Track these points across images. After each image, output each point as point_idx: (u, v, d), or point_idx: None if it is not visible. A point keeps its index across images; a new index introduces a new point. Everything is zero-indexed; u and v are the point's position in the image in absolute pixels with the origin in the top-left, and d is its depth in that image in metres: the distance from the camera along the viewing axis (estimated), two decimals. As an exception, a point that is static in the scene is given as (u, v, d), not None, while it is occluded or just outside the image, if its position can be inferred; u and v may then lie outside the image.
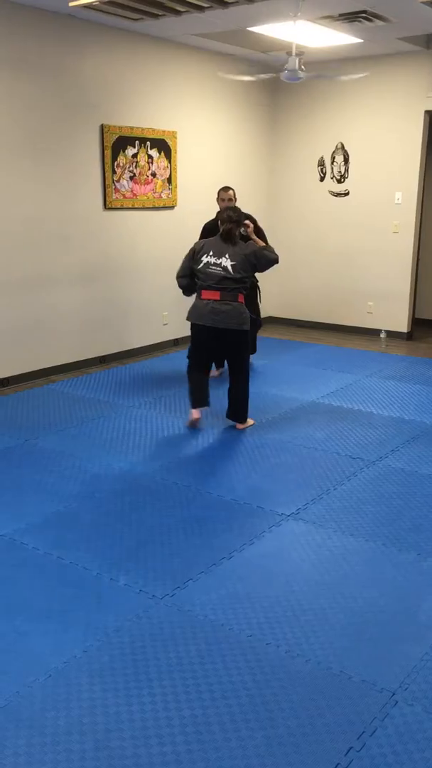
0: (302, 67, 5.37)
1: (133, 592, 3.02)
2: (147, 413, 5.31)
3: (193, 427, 5.00)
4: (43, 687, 2.46)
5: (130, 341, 7.08)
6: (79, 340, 6.57)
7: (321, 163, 8.18)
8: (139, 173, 6.81)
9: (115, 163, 6.55)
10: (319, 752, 2.18)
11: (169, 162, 7.09)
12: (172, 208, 7.21)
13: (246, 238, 5.00)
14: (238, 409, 4.98)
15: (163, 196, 7.10)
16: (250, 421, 5.06)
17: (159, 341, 7.39)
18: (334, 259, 8.28)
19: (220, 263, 4.70)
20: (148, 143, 6.83)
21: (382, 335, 7.79)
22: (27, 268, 5.99)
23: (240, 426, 4.99)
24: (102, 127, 6.39)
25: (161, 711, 2.35)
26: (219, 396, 5.36)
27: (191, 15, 5.62)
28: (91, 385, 6.06)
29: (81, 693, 2.43)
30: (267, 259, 4.79)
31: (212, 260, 4.73)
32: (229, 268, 4.69)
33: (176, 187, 7.21)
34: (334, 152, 8.06)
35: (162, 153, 6.99)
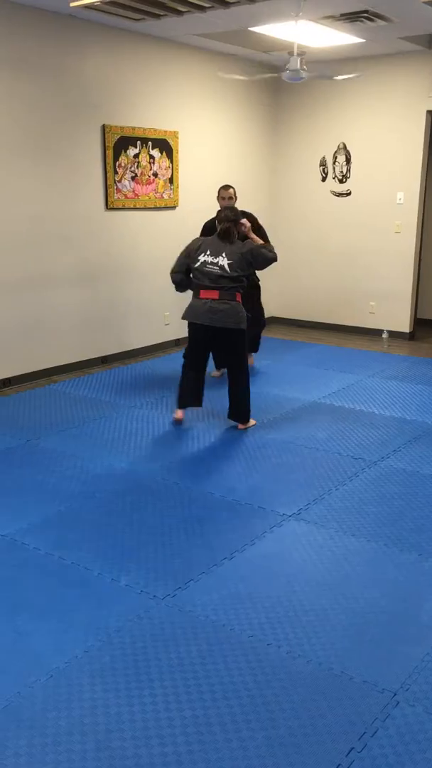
0: (304, 67, 5.37)
1: (135, 592, 3.02)
2: (148, 413, 5.31)
3: (178, 424, 5.04)
4: (44, 687, 2.46)
5: (131, 341, 7.08)
6: (81, 341, 6.57)
7: (323, 163, 8.18)
8: (141, 173, 6.81)
9: (117, 164, 6.55)
10: (320, 753, 2.18)
11: (171, 162, 7.09)
12: (173, 208, 7.21)
13: (244, 237, 5.00)
14: (239, 410, 4.98)
15: (165, 196, 7.10)
16: (252, 422, 5.06)
17: (160, 341, 7.39)
18: (335, 259, 8.28)
19: (217, 262, 4.71)
20: (150, 143, 6.83)
21: (384, 335, 7.79)
22: (29, 268, 5.99)
23: (242, 426, 4.99)
24: (104, 127, 6.40)
25: (162, 711, 2.35)
26: (220, 396, 5.36)
27: (193, 15, 5.62)
28: (92, 386, 6.06)
29: (82, 693, 2.43)
30: (264, 257, 4.78)
31: (209, 259, 4.74)
32: (226, 266, 4.69)
33: (178, 187, 7.21)
34: (335, 152, 8.06)
35: (164, 153, 6.99)
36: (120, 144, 6.54)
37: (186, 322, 4.99)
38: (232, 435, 4.89)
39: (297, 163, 8.36)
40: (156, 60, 6.76)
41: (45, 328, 6.21)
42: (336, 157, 8.07)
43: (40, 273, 6.09)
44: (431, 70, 7.24)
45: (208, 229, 5.69)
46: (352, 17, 5.68)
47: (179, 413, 5.07)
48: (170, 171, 7.10)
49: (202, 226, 6.04)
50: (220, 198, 5.95)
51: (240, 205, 6.04)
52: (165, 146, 6.99)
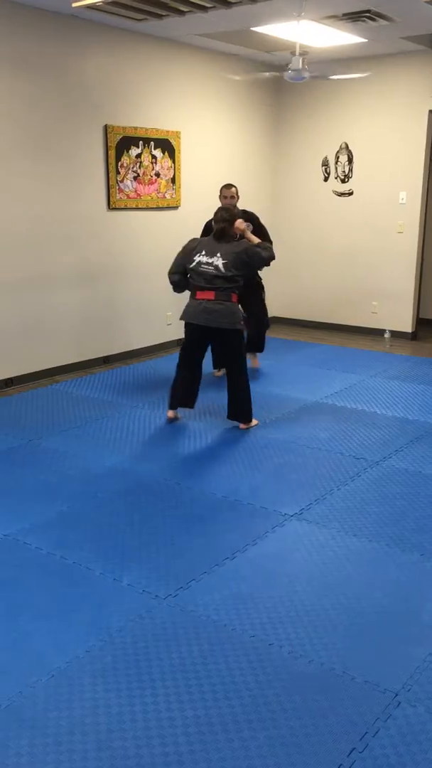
0: (306, 66, 5.38)
1: (136, 592, 3.02)
2: (150, 413, 5.31)
3: (172, 422, 5.08)
4: (45, 687, 2.46)
5: (133, 341, 7.08)
6: (83, 341, 6.58)
7: (325, 163, 8.17)
8: (143, 173, 6.81)
9: (119, 164, 6.56)
10: (321, 753, 2.18)
11: (173, 162, 7.09)
12: (176, 208, 7.22)
13: (241, 237, 5.00)
14: (240, 409, 4.97)
15: (167, 196, 7.10)
16: (254, 422, 5.05)
17: (162, 341, 7.39)
18: (338, 259, 8.27)
19: (212, 262, 4.71)
20: (152, 143, 6.83)
21: (387, 335, 7.78)
22: (31, 268, 6.00)
23: (243, 426, 4.99)
24: (106, 127, 6.40)
25: (164, 711, 2.35)
26: (221, 396, 5.35)
27: (195, 15, 5.62)
28: (94, 386, 6.06)
29: (83, 693, 2.43)
30: (259, 256, 4.77)
31: (204, 259, 4.74)
32: (220, 266, 4.68)
33: (180, 187, 7.21)
34: (338, 152, 8.05)
35: (166, 153, 6.99)
36: (122, 144, 6.55)
37: None
38: (234, 435, 4.89)
39: (299, 163, 8.36)
40: (158, 60, 6.76)
41: (47, 328, 6.21)
42: (338, 157, 8.06)
43: (42, 273, 6.09)
44: (433, 70, 7.24)
45: (210, 228, 5.68)
46: (354, 17, 5.67)
47: (170, 413, 5.09)
48: (172, 171, 7.10)
49: (203, 226, 6.04)
50: (222, 197, 5.95)
51: (242, 204, 6.05)
52: (167, 146, 6.99)
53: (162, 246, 7.06)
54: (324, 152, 8.15)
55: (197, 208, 7.12)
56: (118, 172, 6.56)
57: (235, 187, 5.97)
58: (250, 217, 5.99)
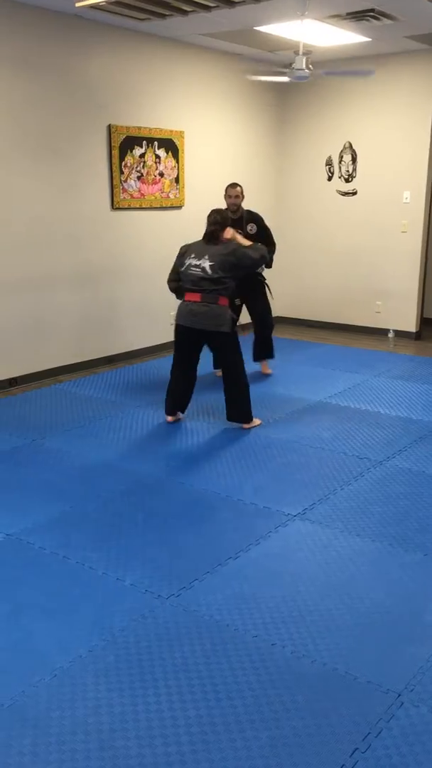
0: (309, 66, 5.37)
1: (139, 591, 3.02)
2: (153, 413, 5.31)
3: (172, 422, 5.10)
4: (48, 686, 2.46)
5: (137, 341, 7.08)
6: (86, 340, 6.58)
7: (329, 163, 8.16)
8: (147, 173, 6.81)
9: (123, 163, 6.56)
10: (324, 753, 2.18)
11: (177, 162, 7.09)
12: (179, 207, 7.22)
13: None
14: (238, 410, 4.96)
15: (171, 195, 7.11)
16: (256, 421, 5.05)
17: (166, 341, 7.38)
18: (342, 258, 8.26)
19: (200, 264, 4.71)
20: (156, 143, 6.83)
21: (390, 335, 7.77)
22: (35, 268, 6.00)
23: (246, 426, 4.98)
24: (109, 127, 6.40)
25: (166, 711, 2.35)
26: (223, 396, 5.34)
27: (198, 15, 5.62)
28: (97, 385, 6.07)
29: (86, 693, 2.43)
30: (249, 258, 4.75)
31: (194, 262, 4.75)
32: (207, 268, 4.68)
33: (184, 186, 7.22)
34: (341, 151, 8.04)
35: (169, 153, 6.99)
36: (126, 144, 6.55)
37: None
38: (236, 435, 4.89)
39: (303, 163, 8.35)
40: (161, 60, 6.76)
41: (51, 327, 6.22)
42: (342, 157, 8.05)
43: (46, 273, 6.10)
44: (437, 69, 7.23)
45: None
46: (357, 16, 5.66)
47: (169, 418, 5.11)
48: (176, 171, 7.10)
49: None
50: (226, 197, 5.93)
51: (246, 204, 6.04)
52: (171, 146, 6.99)
53: (166, 246, 7.05)
54: (328, 152, 8.14)
55: (201, 208, 7.09)
56: (121, 172, 6.57)
57: (240, 186, 5.96)
58: (254, 218, 5.98)
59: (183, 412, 5.15)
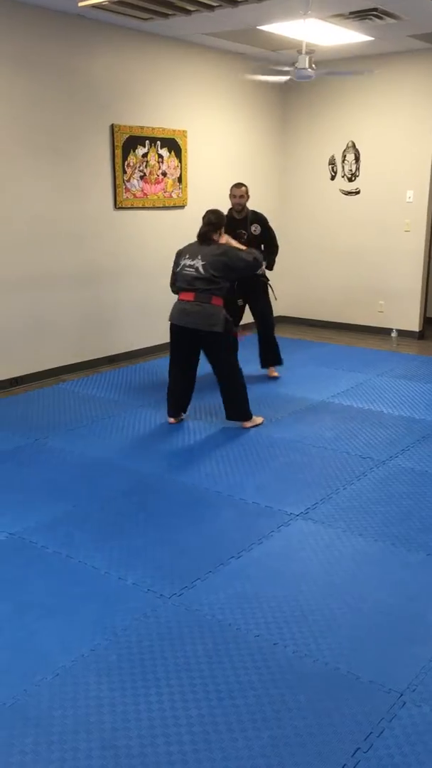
0: (313, 65, 5.36)
1: (141, 591, 3.02)
2: (156, 413, 5.31)
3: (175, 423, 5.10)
4: (50, 685, 2.46)
5: (139, 341, 7.08)
6: (89, 340, 6.59)
7: (332, 162, 8.16)
8: (150, 173, 6.81)
9: (126, 163, 6.56)
10: (325, 753, 2.17)
11: (180, 161, 7.09)
12: (182, 207, 7.22)
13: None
14: (236, 409, 4.94)
15: (174, 195, 7.11)
16: (257, 419, 5.04)
17: (168, 341, 7.36)
18: (345, 258, 8.26)
19: (193, 264, 4.72)
20: (159, 143, 6.83)
21: (394, 334, 7.76)
22: (37, 267, 6.01)
23: (246, 424, 4.97)
24: (112, 126, 6.40)
25: (168, 710, 2.35)
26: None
27: (201, 14, 5.61)
28: (100, 385, 6.07)
29: (88, 692, 2.44)
30: (241, 259, 4.74)
31: (188, 262, 4.77)
32: (200, 268, 4.69)
33: (186, 186, 7.22)
34: (344, 151, 8.03)
35: (172, 152, 6.99)
36: (129, 143, 6.55)
37: None
38: (239, 434, 4.88)
39: (306, 162, 8.35)
40: (164, 59, 6.76)
41: (53, 327, 6.23)
42: (345, 156, 8.04)
43: (48, 272, 6.11)
44: (441, 68, 7.22)
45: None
46: (361, 15, 5.66)
47: (171, 420, 5.10)
48: (179, 170, 7.10)
49: None
50: (231, 196, 5.92)
51: (249, 204, 6.03)
52: (174, 145, 6.99)
53: (168, 245, 7.03)
54: (331, 151, 8.13)
55: (204, 208, 7.03)
56: (124, 172, 6.57)
57: (245, 186, 5.93)
58: (258, 219, 5.96)
59: (185, 412, 5.15)
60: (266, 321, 6.17)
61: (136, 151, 6.65)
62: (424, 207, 7.59)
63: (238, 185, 5.92)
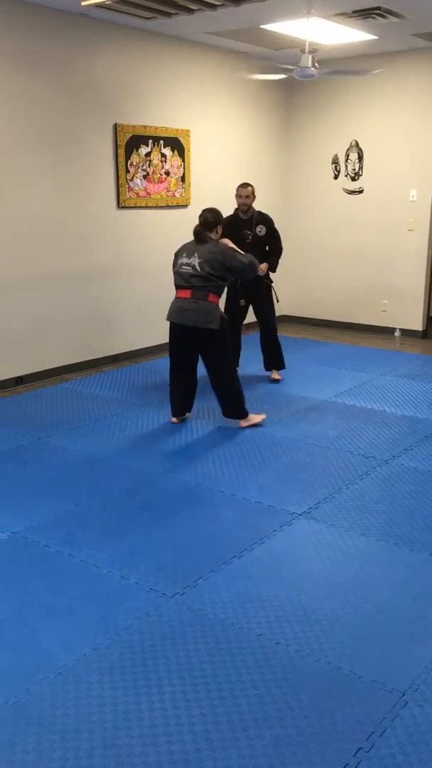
0: (316, 64, 5.36)
1: (144, 590, 3.02)
2: (159, 412, 5.32)
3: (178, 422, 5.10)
4: (52, 684, 2.47)
5: (142, 340, 7.08)
6: (92, 339, 6.59)
7: (335, 161, 8.15)
8: (153, 172, 6.81)
9: (129, 162, 6.56)
10: (327, 752, 2.17)
11: (183, 160, 7.09)
12: (185, 206, 7.21)
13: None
14: (231, 408, 4.93)
15: (177, 194, 7.11)
16: (255, 418, 5.01)
17: (172, 340, 7.38)
18: (348, 257, 8.25)
19: (190, 262, 4.74)
20: (162, 142, 6.83)
21: (397, 334, 7.75)
22: (40, 266, 6.01)
23: (242, 423, 4.95)
24: (115, 126, 6.41)
25: (170, 709, 2.35)
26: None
27: (204, 13, 5.61)
28: (103, 384, 6.08)
29: (90, 691, 2.44)
30: (237, 260, 4.72)
31: (185, 260, 4.78)
32: (196, 265, 4.70)
33: (189, 185, 7.21)
34: (348, 150, 8.03)
35: (175, 151, 6.99)
36: (132, 142, 6.55)
37: None
38: (242, 434, 4.88)
39: (309, 161, 8.34)
40: (167, 58, 6.76)
41: (56, 326, 6.23)
42: (348, 155, 8.03)
43: (51, 272, 6.11)
44: (444, 67, 7.20)
45: (224, 226, 5.63)
46: (364, 14, 5.65)
47: (174, 420, 5.10)
48: (182, 169, 7.10)
49: None
50: (237, 196, 5.90)
51: (255, 203, 5.99)
52: (177, 145, 6.99)
53: (172, 244, 7.01)
54: (334, 150, 8.13)
55: (207, 207, 7.11)
56: (127, 171, 6.57)
57: (251, 186, 5.89)
58: (264, 220, 5.92)
59: (189, 412, 5.15)
60: (269, 323, 6.13)
61: (139, 150, 6.65)
62: (428, 206, 7.58)
63: (244, 185, 5.88)
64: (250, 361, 6.38)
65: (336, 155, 8.13)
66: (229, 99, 7.51)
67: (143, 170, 6.72)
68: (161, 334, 7.24)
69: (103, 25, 6.11)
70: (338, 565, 3.23)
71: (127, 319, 6.89)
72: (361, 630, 2.77)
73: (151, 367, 6.65)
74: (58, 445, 4.67)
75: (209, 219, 4.83)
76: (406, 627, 2.79)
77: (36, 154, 5.82)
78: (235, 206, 5.92)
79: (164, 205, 7.00)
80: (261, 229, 5.88)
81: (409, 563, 3.26)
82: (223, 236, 5.06)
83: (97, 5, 5.35)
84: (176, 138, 6.97)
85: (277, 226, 6.06)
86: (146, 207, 6.84)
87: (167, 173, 6.97)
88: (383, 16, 5.72)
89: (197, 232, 4.82)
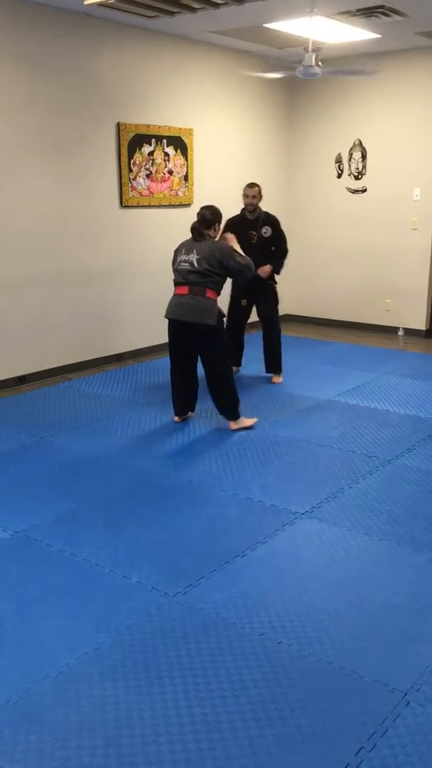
0: (319, 63, 5.34)
1: (146, 589, 3.02)
2: (161, 411, 5.31)
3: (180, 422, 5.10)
4: (54, 683, 2.47)
5: (145, 339, 7.08)
6: (96, 338, 6.59)
7: (338, 160, 8.13)
8: (156, 171, 6.81)
9: (132, 161, 6.56)
10: (329, 752, 2.17)
11: (186, 159, 7.08)
12: (188, 205, 7.21)
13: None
14: (221, 406, 4.91)
15: (180, 193, 7.10)
16: (247, 421, 4.94)
17: (175, 339, 7.38)
18: (351, 256, 8.23)
19: (188, 259, 4.74)
20: (165, 141, 6.83)
21: (400, 333, 7.74)
22: (44, 265, 6.02)
23: (232, 425, 4.90)
24: (118, 125, 6.41)
25: (172, 709, 2.35)
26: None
27: (206, 12, 5.61)
28: (107, 383, 6.08)
29: (92, 690, 2.44)
30: (234, 260, 4.71)
31: (183, 257, 4.79)
32: (194, 261, 4.70)
33: (192, 184, 7.21)
34: (351, 149, 8.01)
35: (178, 150, 6.99)
36: (135, 142, 6.55)
37: None
38: (244, 433, 4.88)
39: (312, 160, 8.33)
40: (170, 57, 6.75)
41: (60, 325, 6.24)
42: (352, 154, 8.02)
43: (54, 270, 6.11)
44: (448, 66, 7.19)
45: (230, 225, 5.64)
46: (367, 12, 5.64)
47: (176, 419, 5.10)
48: (185, 168, 7.10)
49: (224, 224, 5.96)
50: (244, 196, 5.88)
51: (260, 202, 5.96)
52: (180, 144, 6.98)
53: (174, 244, 6.98)
54: (337, 149, 8.11)
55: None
56: (130, 170, 6.57)
57: (258, 186, 5.86)
58: (270, 221, 5.89)
59: (192, 411, 5.15)
60: (272, 325, 6.10)
61: (142, 149, 6.64)
62: (431, 205, 7.56)
63: (251, 185, 5.86)
64: (252, 361, 6.37)
65: (339, 154, 8.12)
66: (232, 98, 7.50)
67: (146, 169, 6.72)
68: (164, 333, 7.18)
69: (105, 24, 6.11)
70: (340, 565, 3.23)
71: (130, 318, 6.89)
72: (363, 630, 2.76)
73: (154, 366, 6.65)
74: (60, 444, 4.67)
75: (207, 217, 4.82)
76: (409, 627, 2.78)
77: (39, 154, 5.83)
78: (240, 206, 5.91)
79: (167, 204, 7.00)
80: (266, 230, 5.86)
81: (412, 563, 3.25)
82: (226, 231, 5.08)
83: (100, 4, 5.35)
84: (179, 137, 6.97)
85: (281, 226, 6.04)
86: (149, 206, 6.84)
87: (170, 172, 6.96)
88: (387, 15, 5.71)
89: (193, 229, 4.82)
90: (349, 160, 8.05)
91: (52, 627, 2.78)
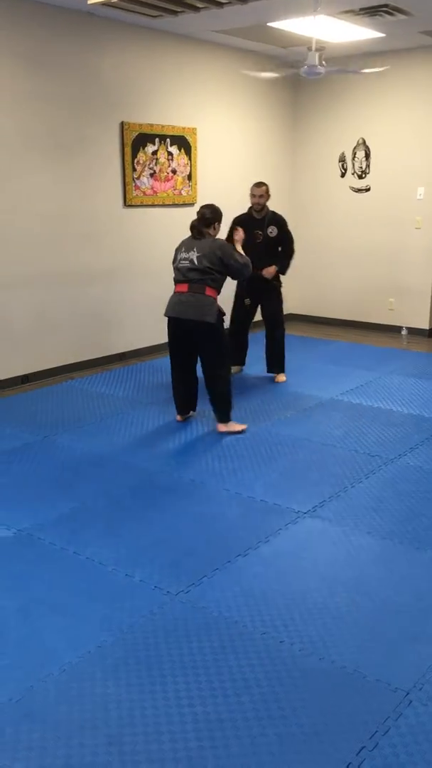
0: (323, 62, 5.34)
1: (148, 588, 3.03)
2: (164, 410, 5.32)
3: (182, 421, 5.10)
4: (57, 682, 2.47)
5: (148, 338, 7.09)
6: (99, 337, 6.60)
7: (342, 159, 8.13)
8: (159, 170, 6.81)
9: (135, 161, 6.57)
10: (330, 751, 2.17)
11: (189, 159, 7.09)
12: (192, 204, 7.20)
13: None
14: (215, 407, 4.89)
15: (183, 192, 7.10)
16: (236, 426, 4.88)
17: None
18: (355, 255, 8.23)
19: (188, 256, 4.74)
20: (168, 140, 6.83)
21: (404, 332, 7.73)
22: (47, 265, 6.02)
23: (221, 427, 4.86)
24: (122, 124, 6.41)
25: (174, 707, 2.35)
26: (234, 394, 5.34)
27: (210, 11, 5.61)
28: (110, 382, 6.08)
29: (94, 688, 2.44)
30: (234, 258, 4.71)
31: (183, 255, 4.79)
32: (195, 259, 4.70)
33: (196, 183, 7.21)
34: (355, 148, 8.00)
35: (182, 150, 6.99)
36: (138, 141, 6.55)
37: None
38: (247, 432, 4.88)
39: (316, 159, 8.32)
40: (174, 56, 6.75)
41: (63, 324, 6.24)
42: (355, 153, 8.01)
43: (58, 270, 6.12)
44: (452, 64, 7.17)
45: (237, 224, 5.63)
46: (371, 11, 5.63)
47: (179, 417, 5.10)
48: (189, 168, 7.10)
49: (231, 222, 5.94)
50: (251, 195, 5.87)
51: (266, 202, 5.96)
52: (183, 143, 6.99)
53: (178, 243, 7.04)
54: (341, 148, 8.11)
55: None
56: (134, 169, 6.57)
57: (265, 185, 5.85)
58: (277, 221, 5.88)
59: (194, 410, 5.15)
60: (276, 324, 6.09)
61: (146, 148, 6.65)
62: (435, 204, 7.56)
63: (259, 184, 5.84)
64: (257, 360, 6.37)
65: (343, 153, 8.11)
66: (235, 97, 7.50)
67: (150, 168, 6.72)
68: (166, 333, 7.26)
69: (109, 24, 6.11)
70: (343, 564, 3.23)
71: (133, 317, 6.89)
72: (365, 629, 2.76)
73: (157, 365, 6.65)
74: (63, 444, 4.68)
75: (207, 215, 4.82)
76: (411, 626, 2.78)
77: (42, 153, 5.83)
78: (244, 204, 5.91)
79: (171, 203, 7.00)
80: (272, 230, 5.85)
81: (414, 562, 3.25)
82: (235, 227, 5.10)
83: (104, 3, 5.35)
84: (183, 136, 6.97)
85: (288, 226, 6.01)
86: (153, 205, 6.84)
87: (174, 171, 6.97)
88: (391, 14, 5.70)
89: (193, 227, 4.82)
90: (353, 159, 8.04)
91: (54, 625, 2.78)
